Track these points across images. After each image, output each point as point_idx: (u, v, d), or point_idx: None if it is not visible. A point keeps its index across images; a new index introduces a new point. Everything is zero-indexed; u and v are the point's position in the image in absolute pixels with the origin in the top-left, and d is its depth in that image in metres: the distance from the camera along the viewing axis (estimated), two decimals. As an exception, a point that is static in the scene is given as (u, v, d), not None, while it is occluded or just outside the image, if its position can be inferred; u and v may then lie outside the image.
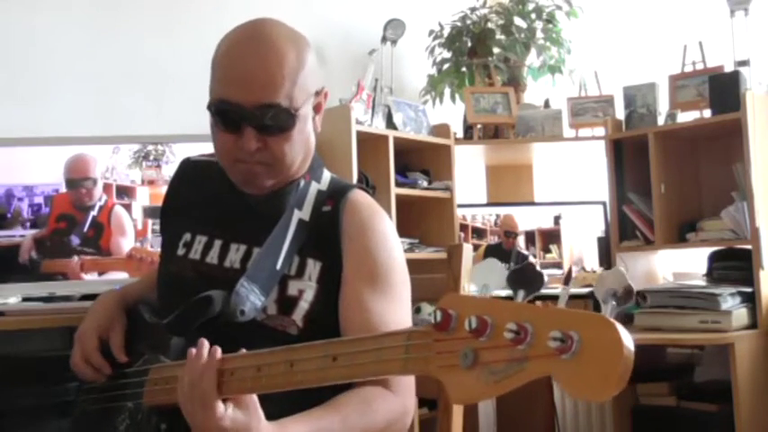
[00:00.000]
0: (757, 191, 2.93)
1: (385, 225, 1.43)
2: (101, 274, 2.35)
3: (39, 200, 2.31)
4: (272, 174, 1.38)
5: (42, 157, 2.34)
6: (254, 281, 1.32)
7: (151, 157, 2.40)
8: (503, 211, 3.67)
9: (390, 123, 3.20)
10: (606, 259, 3.42)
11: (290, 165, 1.39)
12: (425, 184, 3.31)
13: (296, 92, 1.33)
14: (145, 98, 2.92)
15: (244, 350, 1.12)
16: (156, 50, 2.98)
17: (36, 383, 2.15)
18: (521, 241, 3.59)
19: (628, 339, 0.72)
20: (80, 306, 2.09)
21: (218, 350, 1.11)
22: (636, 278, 3.16)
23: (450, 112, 3.68)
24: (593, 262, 3.52)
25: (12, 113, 2.61)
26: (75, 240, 2.32)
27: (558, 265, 3.57)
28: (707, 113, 3.16)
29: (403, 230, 2.66)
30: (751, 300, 2.91)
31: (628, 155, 3.35)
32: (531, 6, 3.69)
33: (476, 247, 3.50)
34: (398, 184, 3.15)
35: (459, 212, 3.41)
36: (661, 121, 3.28)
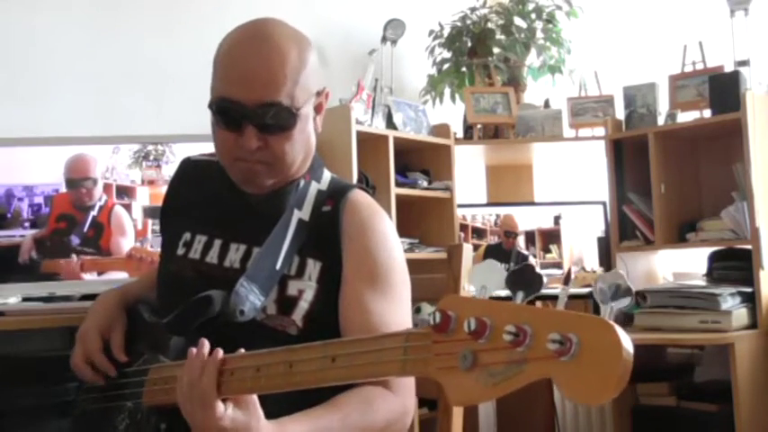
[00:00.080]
0: (757, 191, 2.93)
1: (385, 225, 1.43)
2: (100, 273, 2.35)
3: (39, 200, 2.31)
4: (272, 173, 1.38)
5: (42, 157, 2.34)
6: (253, 281, 1.32)
7: (151, 157, 2.40)
8: (503, 211, 3.67)
9: (390, 123, 3.20)
10: (606, 259, 3.42)
11: (291, 164, 1.39)
12: (425, 184, 3.31)
13: (297, 91, 1.33)
14: (145, 98, 2.92)
15: (242, 350, 1.12)
16: (156, 50, 2.98)
17: (36, 383, 2.15)
18: (521, 241, 3.59)
19: (627, 342, 0.72)
20: (80, 306, 2.09)
21: (220, 351, 1.11)
22: (636, 278, 3.16)
23: (450, 112, 3.68)
24: (593, 262, 3.52)
25: (12, 113, 2.61)
26: (75, 240, 2.32)
27: (558, 266, 3.57)
28: (707, 113, 3.16)
29: (403, 230, 2.66)
30: (751, 300, 2.91)
31: (628, 155, 3.35)
32: (531, 6, 3.68)
33: (476, 248, 3.50)
34: (398, 184, 3.15)
35: (459, 212, 3.41)
36: (661, 121, 3.28)
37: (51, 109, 2.71)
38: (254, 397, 1.11)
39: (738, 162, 3.04)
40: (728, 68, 3.16)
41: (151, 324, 1.45)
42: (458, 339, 0.83)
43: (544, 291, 2.68)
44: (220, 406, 1.08)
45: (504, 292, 2.60)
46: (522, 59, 3.67)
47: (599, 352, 0.72)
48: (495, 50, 3.65)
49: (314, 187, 1.45)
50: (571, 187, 3.83)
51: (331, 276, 1.37)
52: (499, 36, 3.67)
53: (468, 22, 3.70)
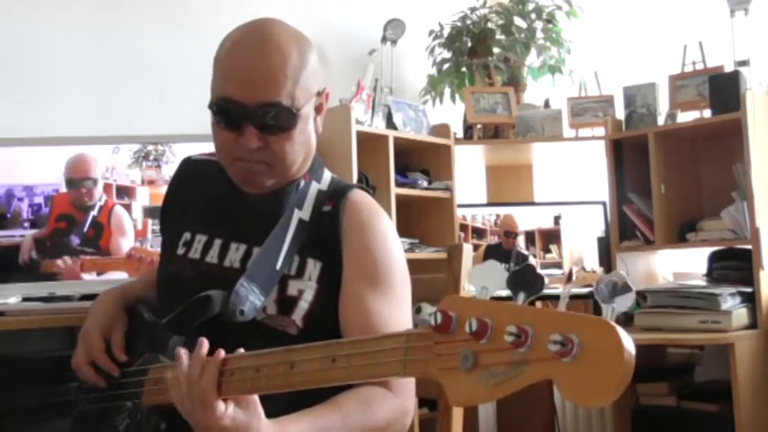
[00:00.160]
0: (757, 191, 2.93)
1: (385, 225, 1.43)
2: (100, 273, 2.35)
3: (39, 200, 2.31)
4: (272, 173, 1.38)
5: (42, 157, 2.34)
6: (253, 281, 1.31)
7: (151, 157, 2.40)
8: (503, 211, 3.67)
9: (390, 123, 3.20)
10: (606, 259, 3.42)
11: (291, 164, 1.39)
12: (425, 184, 3.31)
13: (298, 91, 1.33)
14: (145, 98, 2.92)
15: (241, 350, 1.12)
16: (156, 50, 2.98)
17: (36, 383, 2.16)
18: (521, 241, 3.59)
19: (629, 343, 0.72)
20: (80, 306, 2.08)
21: (221, 351, 1.11)
22: (636, 278, 3.16)
23: (450, 112, 3.68)
24: (593, 262, 3.52)
25: (12, 113, 2.61)
26: (75, 240, 2.32)
27: (558, 265, 3.57)
28: (707, 113, 3.16)
29: (403, 230, 2.67)
30: (751, 300, 2.91)
31: (628, 155, 3.35)
32: (531, 6, 3.68)
33: (476, 248, 3.49)
34: (398, 184, 3.15)
35: (459, 212, 3.41)
36: (661, 121, 3.28)
37: (51, 109, 2.71)
38: (255, 396, 1.10)
39: (738, 162, 3.04)
40: (728, 68, 3.16)
41: (151, 324, 1.45)
42: (459, 340, 0.83)
43: (544, 291, 2.68)
44: (221, 405, 1.08)
45: (505, 292, 2.61)
46: (522, 59, 3.67)
47: (600, 353, 0.72)
48: (495, 50, 3.65)
49: (314, 187, 1.45)
50: (571, 187, 3.83)
51: (331, 276, 1.36)
52: (499, 36, 3.67)
53: (468, 22, 3.70)
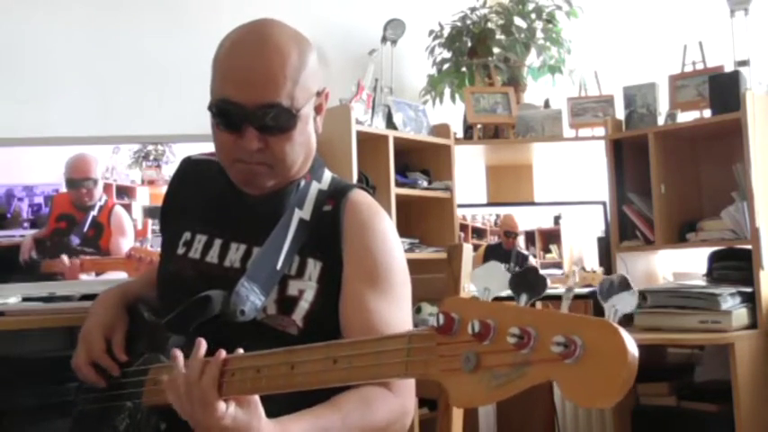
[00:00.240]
0: (757, 191, 2.93)
1: (385, 225, 1.43)
2: (100, 273, 2.35)
3: (39, 200, 2.31)
4: (272, 174, 1.38)
5: (42, 157, 2.34)
6: (254, 281, 1.31)
7: (151, 157, 2.40)
8: (503, 211, 3.67)
9: (390, 123, 3.20)
10: (606, 259, 3.42)
11: (291, 165, 1.39)
12: (425, 184, 3.30)
13: (297, 92, 1.33)
14: (145, 98, 2.91)
15: (241, 350, 1.12)
16: (156, 50, 2.98)
17: (36, 383, 2.15)
18: (521, 241, 3.59)
19: (632, 345, 0.71)
20: (80, 306, 2.08)
21: (223, 352, 1.11)
22: (636, 278, 3.16)
23: (450, 112, 3.67)
24: (593, 262, 3.52)
25: (12, 113, 2.61)
26: (74, 240, 2.32)
27: (558, 265, 3.57)
28: (707, 113, 3.16)
29: (403, 230, 2.66)
30: (751, 300, 2.91)
31: (628, 155, 3.35)
32: (531, 6, 3.68)
33: (476, 248, 3.49)
34: (398, 184, 3.15)
35: (459, 212, 3.41)
36: (661, 121, 3.28)
37: (51, 109, 2.71)
38: (256, 396, 1.10)
39: (738, 162, 3.04)
40: (728, 68, 3.16)
41: (151, 323, 1.45)
42: (461, 341, 0.83)
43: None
44: (222, 405, 1.07)
45: (505, 293, 2.61)
46: (522, 59, 3.67)
47: (604, 355, 0.72)
48: (495, 50, 3.65)
49: (315, 187, 1.44)
50: (571, 187, 3.83)
51: (331, 276, 1.36)
52: (499, 36, 3.67)
53: (468, 22, 3.70)
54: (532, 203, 3.79)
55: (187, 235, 1.46)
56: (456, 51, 3.67)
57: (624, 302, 0.86)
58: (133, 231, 2.37)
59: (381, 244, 1.39)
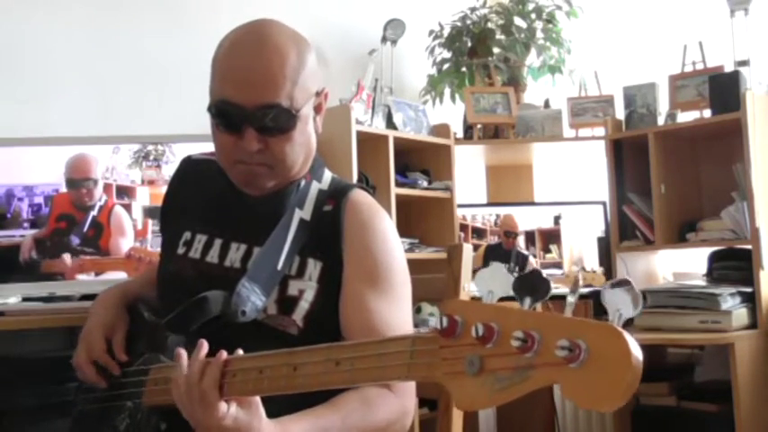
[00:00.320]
0: (757, 191, 2.93)
1: (386, 225, 1.43)
2: (99, 273, 2.35)
3: (39, 200, 2.31)
4: (273, 175, 1.38)
5: (42, 157, 2.34)
6: (254, 281, 1.31)
7: (151, 157, 2.40)
8: (503, 211, 3.67)
9: (390, 123, 3.20)
10: (606, 259, 3.42)
11: (291, 166, 1.39)
12: (425, 184, 3.30)
13: (297, 92, 1.33)
14: (145, 98, 2.91)
15: (240, 351, 1.12)
16: (156, 50, 2.98)
17: (36, 383, 2.15)
18: (521, 241, 3.59)
19: (636, 349, 0.71)
20: (80, 306, 2.08)
21: (224, 353, 1.11)
22: (636, 278, 3.16)
23: (450, 112, 3.67)
24: (593, 262, 3.52)
25: (12, 113, 2.60)
26: (74, 240, 2.32)
27: (558, 265, 3.57)
28: (707, 113, 3.16)
29: (403, 230, 2.66)
30: (751, 300, 2.91)
31: (628, 155, 3.35)
32: (531, 6, 3.68)
33: (476, 247, 3.49)
34: (398, 184, 3.15)
35: (459, 212, 3.41)
36: (661, 121, 3.28)
37: (51, 109, 2.71)
38: (257, 397, 1.10)
39: (738, 162, 3.04)
40: (728, 68, 3.16)
41: (151, 323, 1.45)
42: (464, 344, 0.83)
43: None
44: (223, 405, 1.07)
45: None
46: (522, 59, 3.67)
47: (608, 359, 0.71)
48: (495, 50, 3.65)
49: (315, 187, 1.44)
50: (571, 187, 3.83)
51: (332, 276, 1.36)
52: (499, 36, 3.67)
53: (468, 22, 3.70)
54: (532, 203, 3.79)
55: (187, 235, 1.46)
56: (456, 51, 3.67)
57: (628, 306, 0.86)
58: (133, 231, 2.37)
59: (382, 244, 1.39)
